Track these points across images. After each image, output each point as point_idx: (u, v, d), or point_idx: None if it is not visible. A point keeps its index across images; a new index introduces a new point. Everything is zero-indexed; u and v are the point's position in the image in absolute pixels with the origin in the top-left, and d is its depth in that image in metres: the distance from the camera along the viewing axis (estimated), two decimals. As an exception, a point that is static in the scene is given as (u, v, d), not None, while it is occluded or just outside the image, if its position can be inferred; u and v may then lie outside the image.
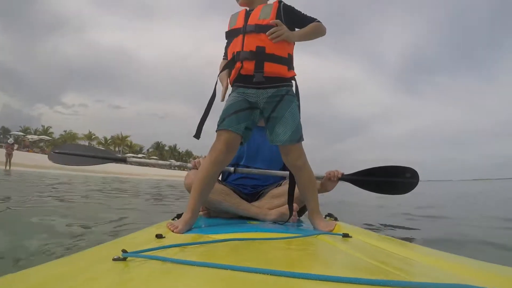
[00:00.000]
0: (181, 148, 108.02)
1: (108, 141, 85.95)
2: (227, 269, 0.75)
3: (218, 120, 1.71)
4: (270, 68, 1.67)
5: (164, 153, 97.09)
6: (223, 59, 1.87)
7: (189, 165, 2.40)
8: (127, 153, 79.39)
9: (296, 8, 1.79)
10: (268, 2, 1.83)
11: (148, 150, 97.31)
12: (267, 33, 1.65)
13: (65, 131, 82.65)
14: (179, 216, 1.87)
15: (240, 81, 1.71)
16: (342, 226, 1.65)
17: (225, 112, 1.70)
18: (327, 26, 1.82)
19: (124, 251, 0.90)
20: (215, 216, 2.28)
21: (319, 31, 1.81)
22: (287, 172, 2.17)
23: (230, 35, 1.76)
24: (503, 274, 0.82)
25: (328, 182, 2.37)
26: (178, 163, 2.57)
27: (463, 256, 1.05)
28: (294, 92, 1.78)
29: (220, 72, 1.77)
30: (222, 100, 1.74)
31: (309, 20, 1.79)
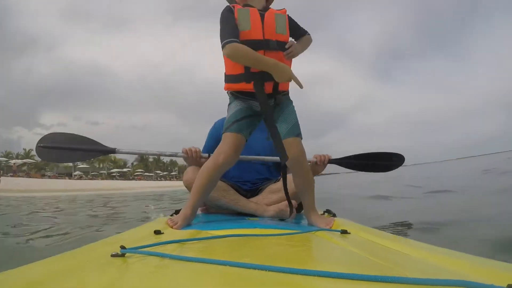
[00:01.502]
0: (165, 158, 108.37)
1: (92, 159, 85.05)
2: (225, 265, 0.75)
3: (224, 123, 1.72)
4: (282, 87, 1.73)
5: (148, 165, 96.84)
6: (232, 42, 1.59)
7: (180, 154, 2.38)
8: (112, 169, 78.88)
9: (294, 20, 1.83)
10: (271, 6, 1.83)
11: (132, 163, 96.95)
12: (285, 54, 1.70)
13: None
14: (177, 212, 1.88)
15: (251, 95, 1.71)
16: (340, 222, 1.65)
17: (234, 116, 1.70)
18: (300, 22, 1.85)
19: (122, 247, 0.90)
20: (213, 212, 2.28)
21: (310, 44, 1.92)
22: (277, 158, 2.18)
23: (247, 44, 1.61)
24: (502, 269, 0.82)
25: (316, 166, 2.41)
26: (169, 153, 2.55)
27: (462, 252, 1.05)
28: None
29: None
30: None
31: (303, 31, 1.87)
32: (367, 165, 2.50)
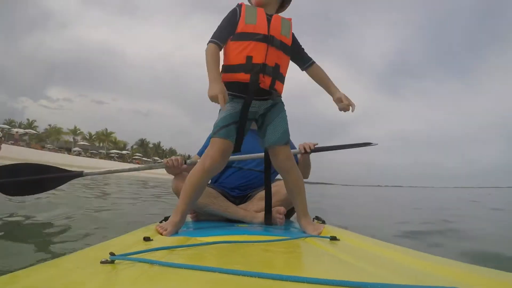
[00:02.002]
0: (165, 146, 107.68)
1: (93, 137, 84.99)
2: (214, 272, 0.75)
3: (214, 126, 1.70)
4: (278, 87, 1.74)
5: (148, 150, 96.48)
6: (215, 43, 1.68)
7: (157, 165, 2.38)
8: (111, 149, 78.01)
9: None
10: (282, 15, 1.83)
11: (132, 146, 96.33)
12: (351, 108, 1.79)
13: (49, 125, 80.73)
14: (167, 218, 1.87)
15: (244, 92, 1.68)
16: (330, 229, 1.65)
17: (223, 121, 1.67)
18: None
19: (112, 253, 0.89)
20: (203, 219, 2.28)
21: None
22: (262, 154, 2.19)
23: (251, 37, 1.67)
24: (491, 277, 0.83)
25: (303, 155, 2.49)
26: (144, 166, 2.54)
27: (452, 259, 1.06)
28: None
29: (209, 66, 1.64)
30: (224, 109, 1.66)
31: (307, 57, 1.88)
32: (344, 146, 2.67)
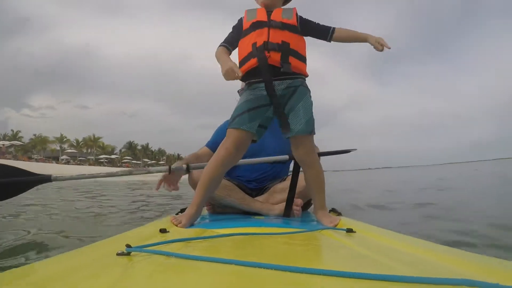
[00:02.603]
0: (154, 146, 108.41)
1: (80, 143, 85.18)
2: (231, 264, 0.75)
3: (230, 117, 1.70)
4: (294, 63, 1.67)
5: (137, 153, 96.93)
6: (222, 45, 1.78)
7: (139, 170, 2.33)
8: (100, 155, 78.34)
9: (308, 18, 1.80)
10: (285, 7, 1.84)
11: (120, 150, 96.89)
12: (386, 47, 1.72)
13: (34, 134, 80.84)
14: (183, 210, 1.88)
15: (259, 74, 1.66)
16: (346, 221, 1.64)
17: (237, 110, 1.67)
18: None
19: (128, 245, 0.90)
20: (219, 211, 2.28)
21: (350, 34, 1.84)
22: (286, 156, 2.17)
23: (253, 26, 1.72)
24: (507, 268, 0.82)
25: None
26: (122, 171, 2.32)
27: (467, 251, 1.04)
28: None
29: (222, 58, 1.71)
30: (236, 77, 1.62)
31: (325, 28, 1.81)
32: (323, 153, 2.49)
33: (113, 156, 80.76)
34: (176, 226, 1.52)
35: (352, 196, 7.62)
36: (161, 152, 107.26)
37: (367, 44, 1.74)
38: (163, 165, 2.16)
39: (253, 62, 1.66)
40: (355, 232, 1.35)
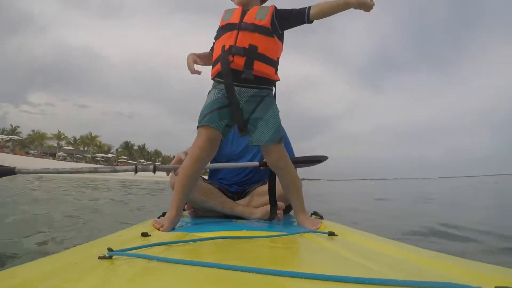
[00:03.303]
0: (150, 148, 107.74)
1: (78, 141, 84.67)
2: (212, 267, 0.76)
3: (199, 116, 1.70)
4: (259, 67, 1.67)
5: (133, 153, 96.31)
6: (210, 52, 1.88)
7: (108, 168, 2.25)
8: (96, 153, 77.65)
9: (285, 8, 1.75)
10: (264, 5, 1.85)
11: (117, 150, 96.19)
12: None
13: (33, 130, 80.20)
14: (164, 214, 1.87)
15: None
16: (327, 225, 1.65)
17: (206, 108, 1.69)
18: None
19: (109, 249, 0.90)
20: (201, 215, 2.27)
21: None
22: (257, 163, 2.19)
23: (224, 28, 1.74)
24: (489, 272, 0.83)
25: None
26: (87, 168, 2.16)
27: (449, 255, 1.06)
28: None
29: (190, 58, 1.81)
30: (193, 72, 1.76)
31: (300, 11, 1.69)
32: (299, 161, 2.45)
33: (109, 155, 79.80)
34: (158, 229, 1.51)
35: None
36: (157, 154, 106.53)
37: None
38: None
39: (219, 65, 1.69)
40: (337, 235, 1.36)
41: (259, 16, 1.71)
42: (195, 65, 1.78)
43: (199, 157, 1.66)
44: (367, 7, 1.56)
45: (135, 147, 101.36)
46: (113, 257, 0.87)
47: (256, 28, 1.68)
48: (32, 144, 75.10)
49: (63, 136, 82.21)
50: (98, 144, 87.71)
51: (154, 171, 2.13)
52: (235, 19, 1.73)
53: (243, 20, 1.71)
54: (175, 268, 0.79)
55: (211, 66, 1.79)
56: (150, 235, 1.31)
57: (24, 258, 2.11)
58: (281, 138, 1.71)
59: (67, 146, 78.93)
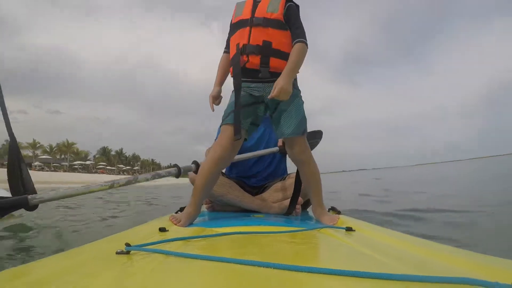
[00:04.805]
0: (128, 152, 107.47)
1: (54, 149, 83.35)
2: (230, 263, 0.75)
3: (222, 115, 1.70)
4: (276, 64, 1.65)
5: (111, 158, 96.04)
6: (224, 52, 1.85)
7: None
8: (74, 161, 76.82)
9: (297, 10, 1.72)
10: None
11: (94, 156, 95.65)
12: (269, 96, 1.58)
13: (6, 140, 77.70)
14: (182, 209, 1.87)
15: (244, 75, 1.67)
16: (345, 220, 1.64)
17: (230, 107, 1.68)
18: None
19: (127, 244, 0.90)
20: (218, 209, 2.28)
21: (304, 55, 1.67)
22: (277, 148, 2.18)
23: (237, 25, 1.71)
24: (506, 267, 0.81)
25: None
26: (123, 179, 1.86)
27: (466, 250, 1.04)
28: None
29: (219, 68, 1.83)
30: (213, 110, 1.78)
31: (296, 34, 1.67)
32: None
33: (87, 162, 79.29)
34: (175, 225, 1.52)
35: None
36: (135, 158, 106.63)
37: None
38: (137, 170, 2.01)
39: (237, 65, 1.67)
40: (354, 230, 1.35)
41: (271, 8, 1.67)
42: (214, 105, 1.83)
43: (221, 157, 1.66)
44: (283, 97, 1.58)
45: (113, 152, 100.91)
46: (130, 252, 0.87)
47: (268, 23, 1.65)
48: (6, 155, 73.65)
49: (38, 144, 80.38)
50: (76, 151, 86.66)
51: (197, 171, 2.13)
52: (246, 13, 1.70)
53: (255, 15, 1.67)
54: (193, 263, 0.79)
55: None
56: (167, 230, 1.32)
57: (41, 253, 2.15)
58: (304, 130, 1.70)
59: (43, 155, 77.49)
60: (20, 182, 1.55)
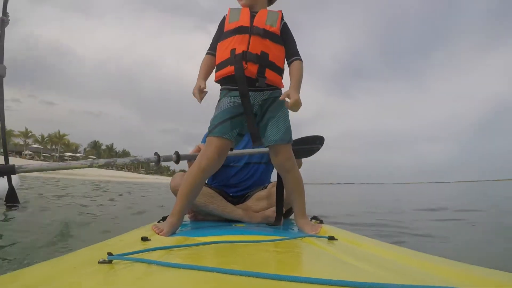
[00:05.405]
0: (118, 147, 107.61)
1: (45, 139, 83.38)
2: (212, 272, 0.75)
3: (209, 125, 1.69)
4: (270, 76, 1.67)
5: (101, 152, 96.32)
6: (208, 53, 1.82)
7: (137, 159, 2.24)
8: (64, 153, 76.73)
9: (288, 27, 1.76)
10: (269, 8, 1.83)
11: (85, 149, 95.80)
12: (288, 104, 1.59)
13: None
14: (164, 218, 1.86)
15: (235, 82, 1.66)
16: (327, 229, 1.65)
17: (217, 118, 1.67)
18: None
19: (109, 253, 0.89)
20: (201, 219, 2.27)
21: (303, 72, 1.74)
22: (267, 149, 2.21)
23: (235, 31, 1.70)
24: (492, 277, 0.83)
25: None
26: (88, 161, 2.08)
27: (449, 259, 1.06)
28: None
29: (200, 69, 1.79)
30: (200, 102, 1.70)
31: (294, 52, 1.74)
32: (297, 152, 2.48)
33: (77, 154, 79.08)
34: (158, 234, 1.51)
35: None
36: (125, 154, 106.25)
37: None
38: (126, 166, 2.04)
39: (230, 69, 1.66)
40: (336, 239, 1.36)
41: (270, 21, 1.70)
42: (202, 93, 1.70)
43: (206, 168, 1.65)
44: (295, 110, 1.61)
45: (103, 147, 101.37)
46: (113, 261, 0.87)
47: (267, 34, 1.68)
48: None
49: (30, 134, 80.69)
50: (66, 143, 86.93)
51: (177, 160, 2.13)
52: (244, 21, 1.70)
53: (254, 24, 1.69)
54: (175, 273, 0.79)
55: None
56: (150, 240, 1.31)
57: (22, 263, 2.11)
58: (290, 138, 1.71)
59: (35, 144, 77.62)
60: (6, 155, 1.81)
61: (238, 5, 1.83)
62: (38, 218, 3.86)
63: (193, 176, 1.66)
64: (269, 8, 1.85)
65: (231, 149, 1.74)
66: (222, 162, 1.72)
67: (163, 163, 2.22)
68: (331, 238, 1.37)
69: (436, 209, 7.12)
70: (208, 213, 2.19)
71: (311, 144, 2.54)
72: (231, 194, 2.40)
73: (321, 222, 2.00)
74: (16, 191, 4.64)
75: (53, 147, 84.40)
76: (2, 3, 3.47)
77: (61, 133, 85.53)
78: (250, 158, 2.47)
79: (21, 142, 76.32)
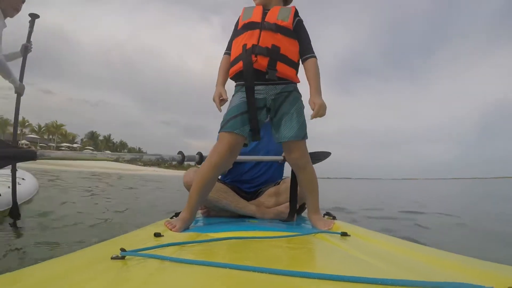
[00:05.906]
0: (115, 138, 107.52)
1: (42, 129, 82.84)
2: (225, 268, 0.75)
3: (221, 121, 1.69)
4: (282, 69, 1.65)
5: (98, 143, 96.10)
6: (226, 53, 1.83)
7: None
8: (61, 143, 75.90)
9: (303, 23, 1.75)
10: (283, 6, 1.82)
11: (82, 139, 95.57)
12: (311, 116, 1.65)
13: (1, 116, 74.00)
14: (177, 214, 1.87)
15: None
16: (340, 225, 1.64)
17: (229, 113, 1.66)
18: None
19: (122, 249, 0.90)
20: (213, 214, 2.28)
21: (318, 70, 1.73)
22: (281, 157, 2.19)
23: (245, 27, 1.71)
24: (503, 272, 0.82)
25: None
26: (131, 155, 2.10)
27: (461, 255, 1.05)
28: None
29: (220, 71, 1.79)
30: (221, 110, 1.72)
31: (308, 49, 1.73)
32: None
33: (74, 145, 78.75)
34: (171, 230, 1.51)
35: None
36: (122, 145, 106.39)
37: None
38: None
39: (240, 64, 1.66)
40: (349, 235, 1.35)
41: (281, 16, 1.69)
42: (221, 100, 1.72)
43: (217, 164, 1.65)
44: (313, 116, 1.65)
45: (101, 137, 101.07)
46: (125, 258, 0.87)
47: (278, 29, 1.67)
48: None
49: (27, 123, 79.72)
50: (64, 133, 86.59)
51: (199, 162, 2.15)
52: (256, 18, 1.70)
53: (265, 20, 1.69)
54: (188, 269, 0.79)
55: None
56: (162, 236, 1.31)
57: (36, 259, 2.14)
58: (304, 134, 1.69)
59: (31, 134, 76.61)
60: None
61: (253, 4, 1.84)
62: (51, 214, 3.91)
63: (205, 172, 1.66)
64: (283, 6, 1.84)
65: (245, 145, 1.73)
66: (235, 158, 1.72)
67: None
68: (344, 234, 1.36)
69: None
70: (221, 209, 2.19)
71: (318, 159, 2.62)
72: (244, 190, 2.40)
73: (334, 218, 1.99)
74: (32, 195, 4.68)
75: (50, 137, 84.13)
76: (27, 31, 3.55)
77: (58, 123, 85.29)
78: (264, 154, 2.46)
79: (18, 132, 75.95)
